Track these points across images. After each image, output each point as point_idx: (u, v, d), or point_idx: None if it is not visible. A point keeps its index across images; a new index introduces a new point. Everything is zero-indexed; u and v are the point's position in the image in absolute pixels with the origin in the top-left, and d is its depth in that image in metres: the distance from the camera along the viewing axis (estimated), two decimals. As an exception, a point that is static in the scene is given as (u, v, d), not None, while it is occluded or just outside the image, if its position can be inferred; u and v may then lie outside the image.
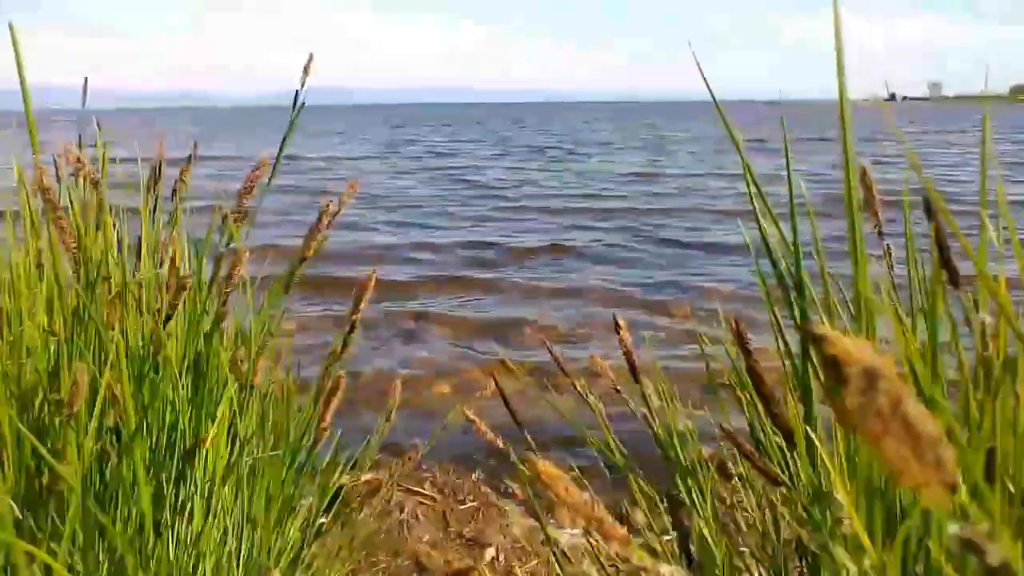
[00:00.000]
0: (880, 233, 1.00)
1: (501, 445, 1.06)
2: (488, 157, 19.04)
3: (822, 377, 0.27)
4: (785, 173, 0.88)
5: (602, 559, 0.92)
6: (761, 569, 1.00)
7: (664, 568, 0.37)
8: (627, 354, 0.87)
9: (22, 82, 1.09)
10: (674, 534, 0.84)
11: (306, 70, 1.41)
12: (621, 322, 0.89)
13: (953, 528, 0.28)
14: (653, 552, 0.91)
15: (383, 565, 2.02)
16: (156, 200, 1.60)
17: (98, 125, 2.08)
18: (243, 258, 0.91)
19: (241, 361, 1.12)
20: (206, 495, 1.13)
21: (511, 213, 9.48)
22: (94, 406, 1.07)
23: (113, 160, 1.63)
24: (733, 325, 0.73)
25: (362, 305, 0.99)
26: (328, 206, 1.22)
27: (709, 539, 0.94)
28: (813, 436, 0.57)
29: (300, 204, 9.61)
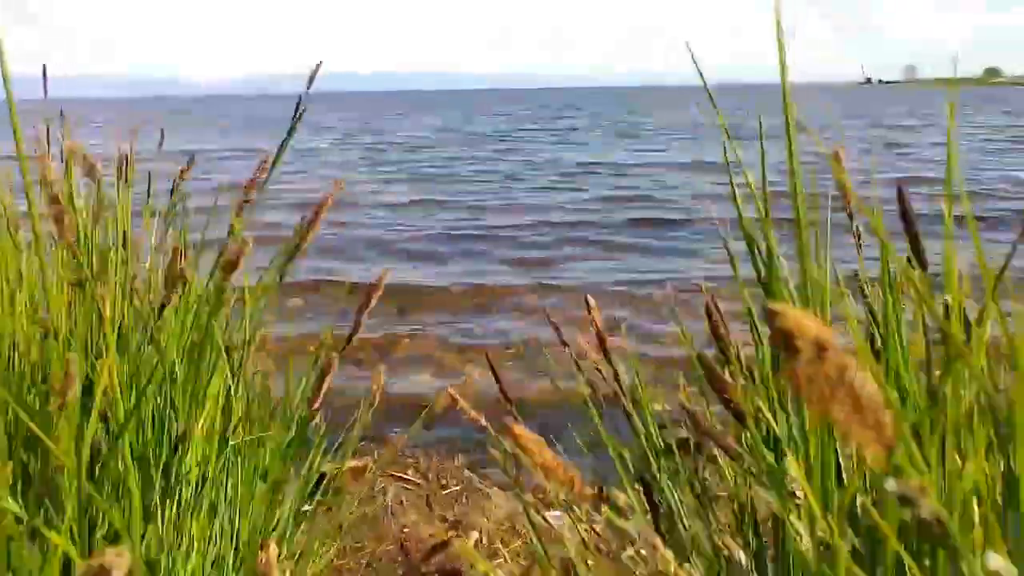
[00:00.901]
0: (851, 216, 1.04)
1: (484, 422, 1.09)
2: (442, 155, 16.57)
3: (777, 348, 0.31)
4: (767, 161, 0.91)
5: (581, 531, 0.96)
6: (737, 542, 1.04)
7: (631, 525, 0.41)
8: (598, 334, 0.91)
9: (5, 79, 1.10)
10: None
11: (311, 80, 1.41)
12: (591, 300, 0.93)
13: (890, 484, 0.32)
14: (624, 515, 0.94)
15: (368, 550, 2.06)
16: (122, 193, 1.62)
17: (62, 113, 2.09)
18: (247, 248, 0.93)
19: (233, 348, 1.14)
20: (195, 480, 1.16)
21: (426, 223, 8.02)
22: (88, 395, 1.10)
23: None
24: (709, 303, 0.77)
25: (371, 304, 1.01)
26: (326, 201, 1.24)
27: (683, 516, 0.98)
28: (767, 414, 0.61)
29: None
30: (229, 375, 1.13)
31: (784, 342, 0.30)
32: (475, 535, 2.16)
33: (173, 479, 1.16)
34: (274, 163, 1.23)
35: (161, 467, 1.17)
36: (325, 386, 0.94)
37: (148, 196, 1.71)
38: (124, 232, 1.50)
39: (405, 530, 2.16)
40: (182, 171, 1.43)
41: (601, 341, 0.90)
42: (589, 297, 0.93)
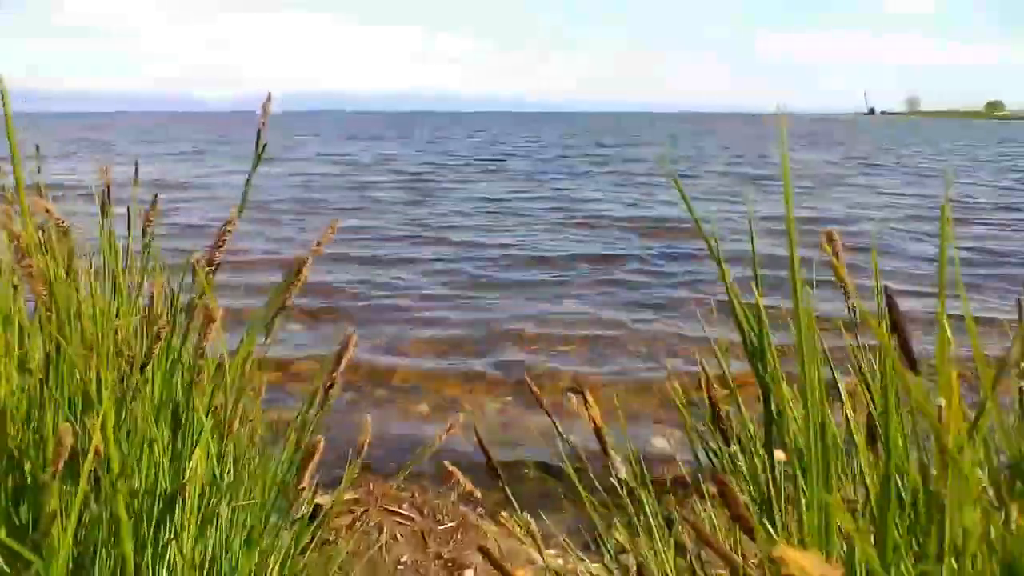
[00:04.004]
0: (848, 297, 1.02)
1: (479, 495, 1.07)
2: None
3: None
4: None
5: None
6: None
7: None
8: (597, 431, 0.89)
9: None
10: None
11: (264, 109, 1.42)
12: (588, 396, 0.91)
13: None
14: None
15: (361, 588, 2.04)
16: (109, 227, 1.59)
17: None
18: (216, 317, 0.91)
19: (219, 408, 1.12)
20: (185, 539, 1.14)
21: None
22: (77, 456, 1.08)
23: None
24: (709, 396, 0.76)
25: (342, 365, 1.00)
26: (315, 249, 1.22)
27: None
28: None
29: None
30: (212, 442, 1.11)
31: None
32: (469, 574, 2.14)
33: (164, 538, 1.14)
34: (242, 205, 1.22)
35: (153, 524, 1.15)
36: (309, 471, 0.93)
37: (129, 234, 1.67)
38: (113, 274, 1.48)
39: (399, 567, 2.14)
40: (148, 214, 1.41)
41: (600, 440, 0.89)
42: (586, 392, 0.92)
